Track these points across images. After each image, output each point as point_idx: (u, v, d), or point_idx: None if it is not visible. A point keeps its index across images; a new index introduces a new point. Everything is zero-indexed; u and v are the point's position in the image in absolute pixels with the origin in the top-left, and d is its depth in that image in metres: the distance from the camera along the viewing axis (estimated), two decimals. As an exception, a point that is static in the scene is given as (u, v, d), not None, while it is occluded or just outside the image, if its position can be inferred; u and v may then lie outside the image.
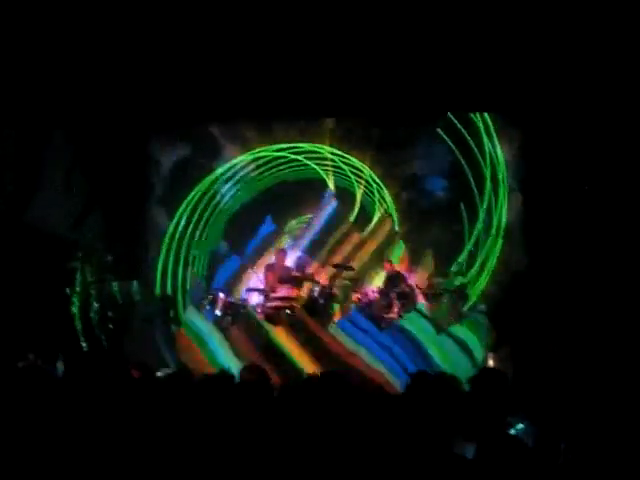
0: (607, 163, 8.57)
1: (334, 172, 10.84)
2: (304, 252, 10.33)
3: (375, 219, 10.67)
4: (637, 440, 3.69)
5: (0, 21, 7.54)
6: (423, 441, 3.03)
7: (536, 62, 8.50)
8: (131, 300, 8.79)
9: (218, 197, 10.76)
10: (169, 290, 10.15)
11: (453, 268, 9.94)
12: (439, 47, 8.46)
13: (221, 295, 9.43)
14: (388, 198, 10.67)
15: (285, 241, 10.51)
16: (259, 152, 10.80)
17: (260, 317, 9.07)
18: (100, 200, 9.18)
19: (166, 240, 10.29)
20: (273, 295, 9.48)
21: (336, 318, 9.00)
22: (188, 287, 10.27)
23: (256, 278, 9.89)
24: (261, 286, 9.68)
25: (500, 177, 10.03)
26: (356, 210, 10.77)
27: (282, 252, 9.95)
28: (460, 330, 7.89)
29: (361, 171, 10.74)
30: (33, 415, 3.32)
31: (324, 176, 10.84)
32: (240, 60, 8.42)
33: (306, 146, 10.82)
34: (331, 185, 10.79)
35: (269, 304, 9.36)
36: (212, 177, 10.71)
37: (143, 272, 9.93)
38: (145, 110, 9.19)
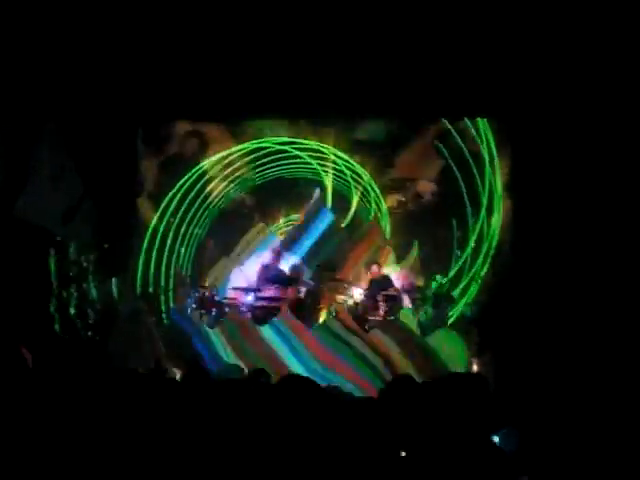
0: (597, 169, 8.61)
1: (334, 175, 10.75)
2: (293, 253, 10.34)
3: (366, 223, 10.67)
4: (619, 441, 3.74)
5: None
6: (405, 444, 3.05)
7: (527, 66, 8.54)
8: (116, 298, 8.76)
9: (206, 194, 10.68)
10: (154, 287, 10.10)
11: (440, 273, 9.96)
12: (431, 52, 8.50)
13: (207, 293, 9.42)
14: (384, 207, 10.61)
15: (274, 240, 10.50)
16: (260, 142, 10.63)
17: (246, 316, 9.10)
18: (90, 195, 9.13)
19: (150, 236, 10.23)
20: (260, 295, 9.49)
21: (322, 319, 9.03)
22: (173, 285, 10.23)
23: (242, 276, 9.90)
24: (247, 285, 9.69)
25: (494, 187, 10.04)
26: (349, 216, 10.71)
27: (278, 253, 9.97)
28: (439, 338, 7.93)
29: (361, 177, 10.68)
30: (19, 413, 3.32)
31: (323, 177, 10.73)
32: (239, 58, 8.41)
33: (312, 143, 10.67)
34: (329, 187, 10.71)
35: (255, 304, 9.38)
36: (200, 172, 10.62)
37: (132, 268, 9.88)
38: (136, 104, 9.15)
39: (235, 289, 9.85)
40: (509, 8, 7.96)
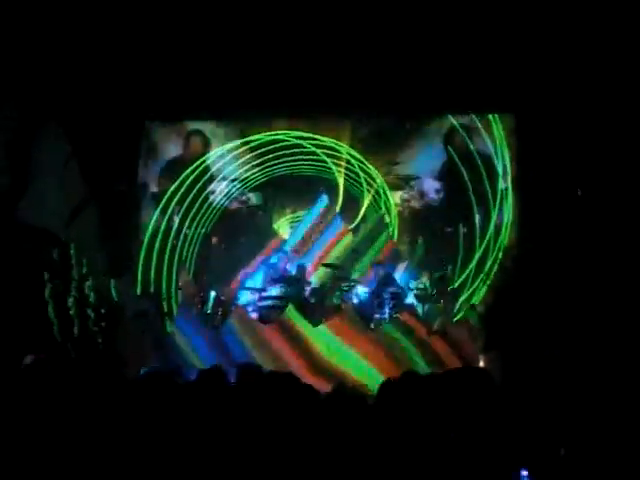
0: (602, 165, 8.57)
1: (346, 175, 10.65)
2: (297, 252, 10.31)
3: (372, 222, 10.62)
4: (625, 435, 3.70)
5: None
6: (411, 440, 3.03)
7: (533, 63, 8.52)
8: (121, 299, 8.76)
9: (208, 193, 10.65)
10: (158, 288, 10.09)
11: (445, 270, 9.91)
12: (436, 48, 8.49)
13: (212, 293, 9.41)
14: (394, 212, 10.54)
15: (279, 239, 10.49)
16: (276, 135, 10.53)
17: (252, 316, 9.09)
18: (92, 196, 9.14)
19: (153, 236, 10.22)
20: (265, 294, 9.47)
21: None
22: (179, 284, 10.21)
23: (247, 276, 9.90)
24: (253, 285, 9.67)
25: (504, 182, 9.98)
26: (358, 219, 10.64)
27: (282, 252, 9.96)
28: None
29: (374, 180, 10.60)
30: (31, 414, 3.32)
31: (336, 177, 10.65)
32: (244, 56, 8.41)
33: (328, 140, 10.60)
34: (340, 188, 10.60)
35: (261, 303, 9.36)
36: (204, 168, 10.57)
37: (135, 269, 9.88)
38: (140, 105, 9.17)
39: (240, 289, 9.84)
40: (525, 4, 7.97)
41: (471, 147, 10.12)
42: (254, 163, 10.64)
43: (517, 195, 9.88)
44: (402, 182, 10.58)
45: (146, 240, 10.08)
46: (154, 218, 10.26)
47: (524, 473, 3.29)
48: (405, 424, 3.03)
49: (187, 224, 10.48)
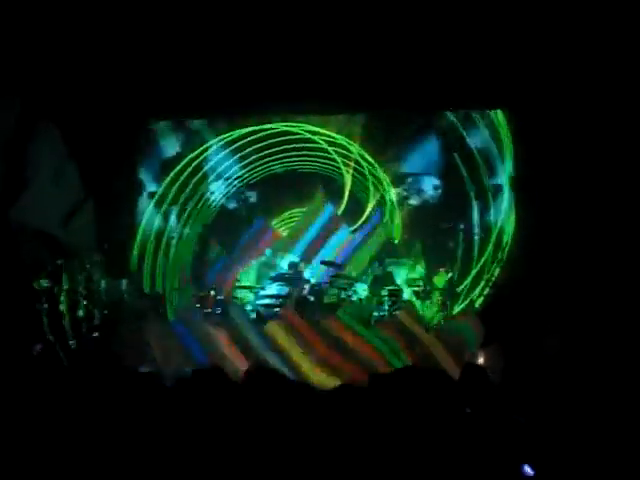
0: (603, 164, 8.56)
1: (353, 177, 10.52)
2: (296, 251, 10.31)
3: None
4: (625, 432, 3.69)
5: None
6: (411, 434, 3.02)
7: (528, 58, 8.51)
8: (120, 298, 8.75)
9: (206, 192, 10.61)
10: (157, 287, 10.06)
11: (444, 267, 9.90)
12: (432, 45, 8.47)
13: (211, 292, 9.40)
14: (397, 219, 10.48)
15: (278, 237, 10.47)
16: (287, 126, 10.36)
17: (250, 314, 9.09)
18: (91, 195, 9.11)
19: (151, 235, 10.19)
20: (263, 293, 9.48)
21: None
22: (177, 285, 10.20)
23: (245, 275, 9.89)
24: (250, 284, 9.68)
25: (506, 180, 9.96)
26: (360, 222, 10.58)
27: (275, 250, 9.96)
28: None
29: (381, 183, 10.52)
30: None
31: (344, 177, 10.53)
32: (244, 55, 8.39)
33: (340, 139, 10.48)
34: (346, 189, 10.54)
35: (259, 302, 9.36)
36: (202, 169, 10.53)
37: (134, 269, 9.85)
38: (137, 103, 9.13)
39: (238, 287, 9.84)
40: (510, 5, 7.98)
41: (469, 144, 10.11)
42: (257, 156, 10.47)
43: (515, 192, 9.86)
44: (399, 179, 10.56)
45: (144, 239, 10.03)
46: (152, 217, 10.22)
47: (527, 469, 3.28)
48: (401, 418, 3.02)
49: (185, 223, 10.45)
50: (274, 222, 10.71)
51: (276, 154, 10.39)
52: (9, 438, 3.15)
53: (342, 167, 10.49)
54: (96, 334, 8.23)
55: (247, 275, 10.13)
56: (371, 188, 10.52)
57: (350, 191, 10.53)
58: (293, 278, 9.66)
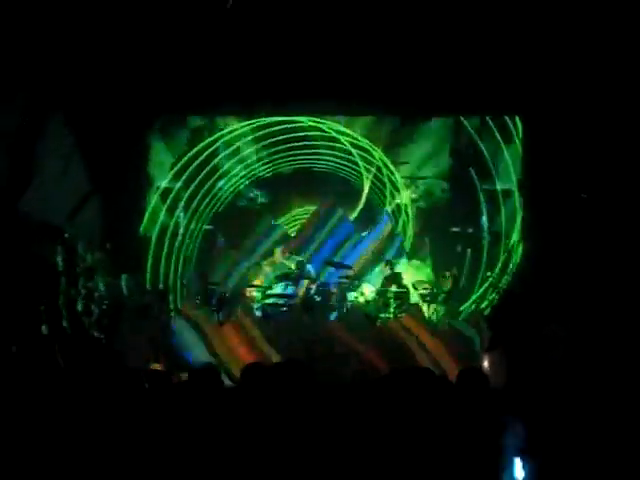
0: (609, 168, 8.53)
1: (372, 182, 10.43)
2: (304, 250, 10.30)
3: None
4: (629, 440, 3.66)
5: (3, 6, 7.52)
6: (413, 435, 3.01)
7: (542, 65, 8.50)
8: (122, 295, 8.75)
9: (215, 189, 10.58)
10: (163, 283, 10.05)
11: (451, 270, 9.86)
12: (445, 50, 8.49)
13: (217, 290, 9.41)
14: (407, 223, 10.43)
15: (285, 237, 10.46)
16: (313, 122, 10.22)
17: (256, 313, 9.11)
18: (97, 190, 9.15)
19: (160, 232, 10.19)
20: (270, 292, 9.47)
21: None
22: (184, 281, 10.19)
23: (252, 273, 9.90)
24: (257, 282, 9.67)
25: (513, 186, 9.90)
26: (370, 224, 10.49)
27: (283, 249, 9.95)
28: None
29: (399, 192, 10.44)
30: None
31: (363, 182, 10.42)
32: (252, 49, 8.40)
33: (364, 142, 10.36)
34: (363, 195, 10.43)
35: (266, 301, 9.36)
36: (212, 166, 10.47)
37: (140, 264, 9.85)
38: (147, 99, 9.16)
39: (246, 286, 9.84)
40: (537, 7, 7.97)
41: (479, 148, 10.08)
42: (273, 150, 10.38)
43: (524, 197, 9.83)
44: (410, 183, 10.55)
45: (150, 235, 10.03)
46: (158, 213, 10.21)
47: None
48: (397, 422, 3.02)
49: (192, 220, 10.43)
50: (283, 220, 10.68)
51: (292, 150, 10.34)
52: (10, 438, 3.16)
53: (363, 171, 10.43)
54: (97, 334, 8.24)
55: (254, 273, 10.12)
56: (387, 195, 10.47)
57: (366, 194, 10.47)
58: (300, 278, 9.64)
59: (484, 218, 10.06)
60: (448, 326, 8.38)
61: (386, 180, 10.48)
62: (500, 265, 9.82)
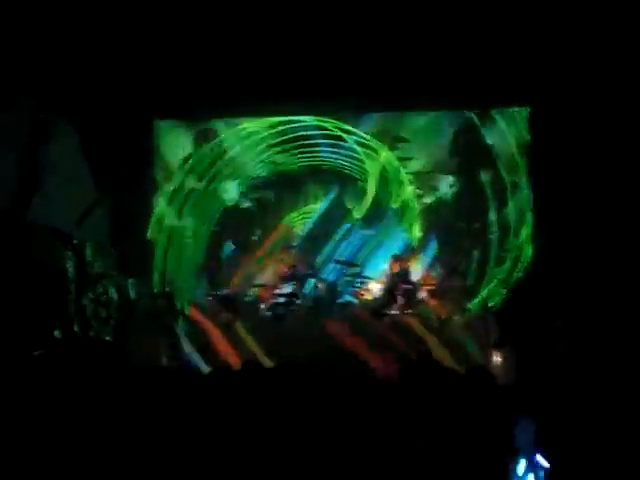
0: (624, 163, 8.47)
1: (378, 180, 10.28)
2: (310, 249, 10.30)
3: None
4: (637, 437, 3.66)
5: (6, 10, 7.55)
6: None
7: (548, 55, 8.46)
8: (132, 299, 8.78)
9: (220, 190, 10.56)
10: (171, 286, 10.06)
11: (458, 265, 9.83)
12: (450, 43, 8.46)
13: (225, 291, 9.44)
14: (413, 219, 10.34)
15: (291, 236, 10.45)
16: (320, 121, 10.12)
17: (263, 313, 9.13)
18: (104, 195, 9.18)
19: (168, 235, 10.19)
20: (278, 292, 9.48)
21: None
22: (191, 283, 10.19)
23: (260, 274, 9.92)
24: (264, 282, 9.69)
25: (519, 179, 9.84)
26: (376, 221, 10.43)
27: (290, 249, 9.94)
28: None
29: (404, 191, 10.27)
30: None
31: (370, 179, 10.27)
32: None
33: (371, 141, 10.25)
34: (370, 192, 10.40)
35: (275, 300, 9.37)
36: (217, 168, 10.42)
37: (149, 268, 9.86)
38: (152, 102, 9.17)
39: (254, 286, 9.85)
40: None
41: (485, 141, 10.00)
42: (278, 149, 10.31)
43: (532, 190, 9.74)
44: (414, 177, 10.49)
45: (157, 238, 10.03)
46: (165, 215, 10.21)
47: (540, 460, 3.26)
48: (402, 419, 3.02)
49: (198, 222, 10.42)
50: (288, 219, 10.64)
51: (297, 149, 10.27)
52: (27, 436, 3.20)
53: (368, 168, 10.40)
54: (108, 337, 8.29)
55: (261, 274, 10.13)
56: (393, 191, 10.43)
57: (372, 193, 10.44)
58: (307, 277, 9.65)
59: (491, 213, 9.97)
60: (454, 322, 8.38)
61: (391, 177, 10.43)
62: (509, 260, 9.74)
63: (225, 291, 9.43)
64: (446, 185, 10.36)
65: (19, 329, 7.52)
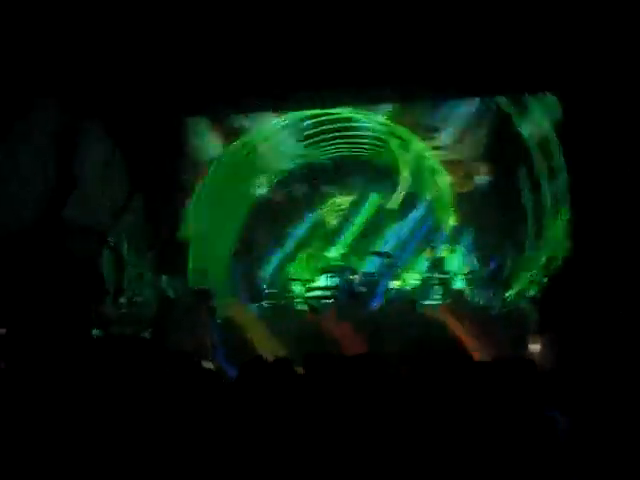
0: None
1: (411, 171, 10.32)
2: (344, 241, 10.29)
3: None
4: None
5: (33, 11, 7.63)
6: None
7: (579, 41, 8.29)
8: (168, 296, 8.86)
9: (252, 185, 10.59)
10: (205, 283, 10.13)
11: (496, 255, 9.70)
12: (481, 29, 8.34)
13: (259, 286, 9.48)
14: (451, 216, 10.26)
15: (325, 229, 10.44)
16: (351, 112, 10.19)
17: (301, 307, 9.15)
18: (139, 193, 9.26)
19: (200, 232, 10.25)
20: (313, 285, 9.49)
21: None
22: (229, 278, 10.25)
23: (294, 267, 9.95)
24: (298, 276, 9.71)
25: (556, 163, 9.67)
26: (410, 211, 10.42)
27: (323, 242, 9.98)
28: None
29: (437, 177, 10.29)
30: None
31: (402, 170, 10.29)
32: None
33: (404, 131, 10.27)
34: (402, 182, 10.38)
35: (309, 294, 9.38)
36: (248, 164, 10.49)
37: (183, 266, 9.94)
38: (183, 100, 9.22)
39: (288, 280, 9.87)
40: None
41: (518, 128, 9.85)
42: (309, 142, 10.36)
43: (569, 176, 9.55)
44: (448, 167, 10.39)
45: (190, 236, 10.11)
46: (198, 213, 10.27)
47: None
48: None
49: (230, 217, 10.45)
50: (321, 212, 10.63)
51: (329, 141, 10.29)
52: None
53: (400, 158, 10.33)
54: (147, 335, 8.37)
55: (296, 268, 10.14)
56: (427, 182, 10.35)
57: (406, 184, 10.38)
58: (343, 269, 9.63)
59: (528, 200, 9.81)
60: (492, 312, 8.29)
61: (425, 167, 10.34)
62: (547, 248, 9.58)
63: (259, 286, 9.46)
64: (481, 174, 10.25)
65: (58, 329, 7.62)
